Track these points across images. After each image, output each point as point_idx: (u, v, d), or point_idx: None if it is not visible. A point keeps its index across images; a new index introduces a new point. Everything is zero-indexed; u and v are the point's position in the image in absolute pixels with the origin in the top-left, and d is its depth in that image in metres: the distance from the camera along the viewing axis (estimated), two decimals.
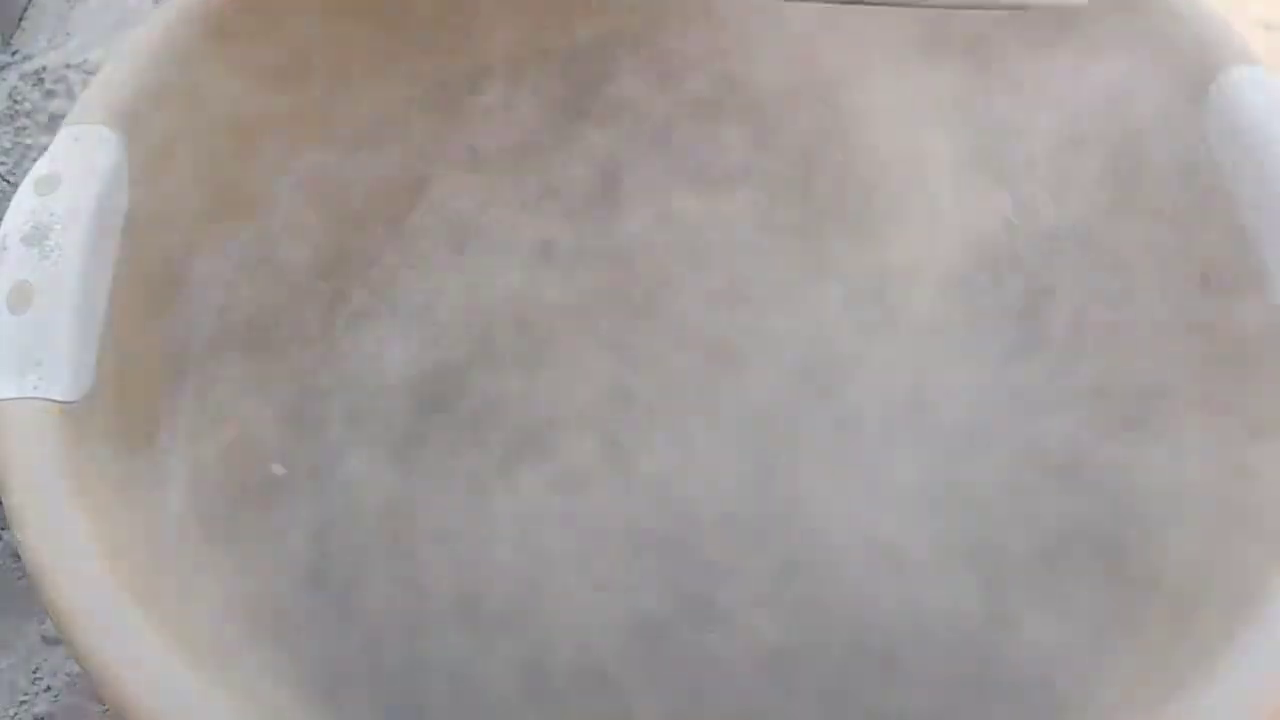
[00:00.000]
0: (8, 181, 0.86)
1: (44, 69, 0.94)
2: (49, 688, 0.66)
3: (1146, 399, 0.56)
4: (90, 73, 0.93)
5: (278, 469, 0.55)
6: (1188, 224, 0.56)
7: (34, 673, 0.66)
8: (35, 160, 0.50)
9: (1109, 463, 0.56)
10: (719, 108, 0.69)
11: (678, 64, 0.68)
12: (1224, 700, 0.38)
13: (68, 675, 0.66)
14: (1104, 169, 0.61)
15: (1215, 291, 0.54)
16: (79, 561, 0.39)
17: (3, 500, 0.41)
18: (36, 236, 0.45)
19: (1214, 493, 0.50)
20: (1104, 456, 0.56)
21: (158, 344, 0.52)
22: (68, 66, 0.94)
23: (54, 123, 0.90)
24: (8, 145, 0.89)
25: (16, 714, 0.65)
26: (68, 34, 0.99)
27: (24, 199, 0.46)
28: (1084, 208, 0.63)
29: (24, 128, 0.90)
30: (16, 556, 0.69)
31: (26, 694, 0.66)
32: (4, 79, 0.94)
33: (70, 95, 0.92)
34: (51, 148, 0.48)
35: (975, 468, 0.59)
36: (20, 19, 1.00)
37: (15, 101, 0.91)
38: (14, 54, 0.97)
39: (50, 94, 0.92)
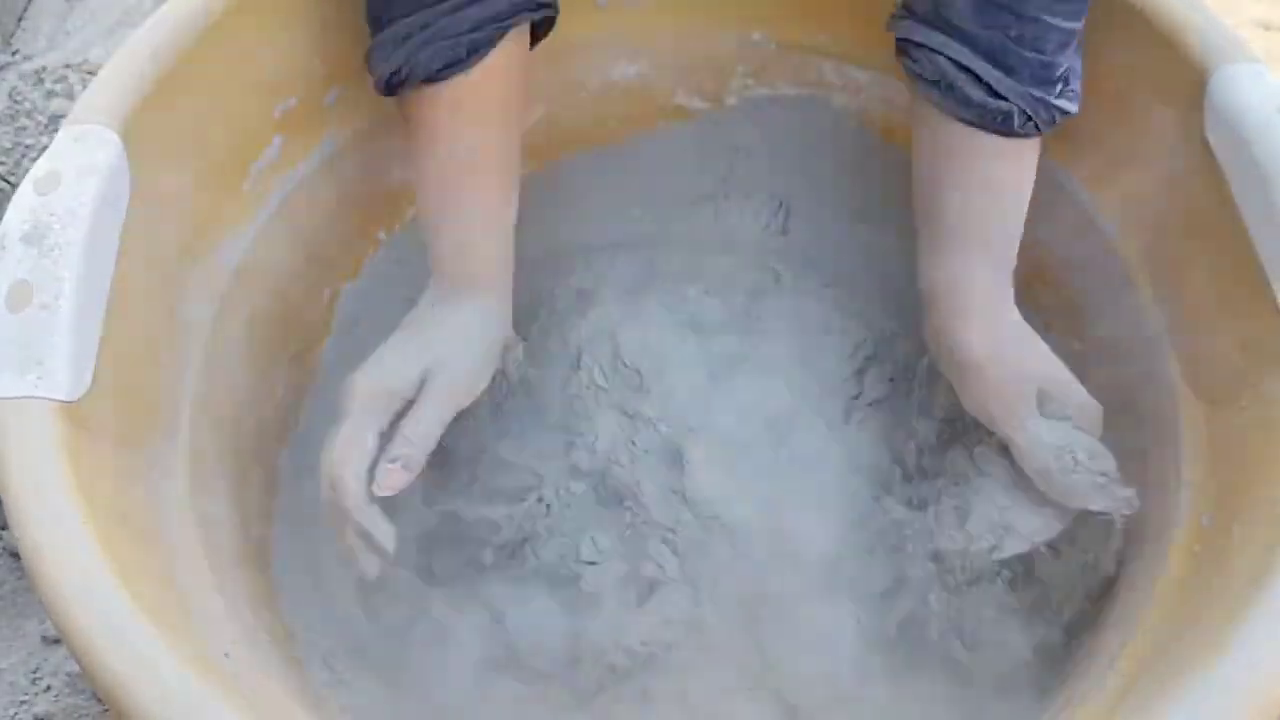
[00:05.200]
0: (8, 181, 0.86)
1: (44, 69, 0.94)
2: (49, 688, 0.66)
3: None
4: (90, 73, 0.93)
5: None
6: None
7: (34, 673, 0.66)
8: (35, 160, 0.50)
9: None
10: None
11: None
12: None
13: (68, 675, 0.66)
14: None
15: None
16: (79, 560, 0.39)
17: (3, 499, 0.41)
18: (36, 236, 0.45)
19: None
20: None
21: (158, 344, 0.52)
22: (68, 66, 0.94)
23: (54, 123, 0.90)
24: (8, 145, 0.89)
25: (16, 714, 0.65)
26: (68, 34, 0.99)
27: (24, 198, 0.46)
28: None
29: (24, 128, 0.90)
30: (16, 556, 0.70)
31: (26, 694, 0.66)
32: (4, 79, 0.94)
33: (70, 95, 0.92)
34: (51, 148, 0.48)
35: None
36: (20, 19, 1.01)
37: (15, 101, 0.91)
38: (14, 54, 0.97)
39: (50, 94, 0.92)
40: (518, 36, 0.57)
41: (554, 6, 0.59)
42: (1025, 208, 0.57)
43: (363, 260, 0.68)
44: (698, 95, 0.74)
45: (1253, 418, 0.50)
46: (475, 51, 0.55)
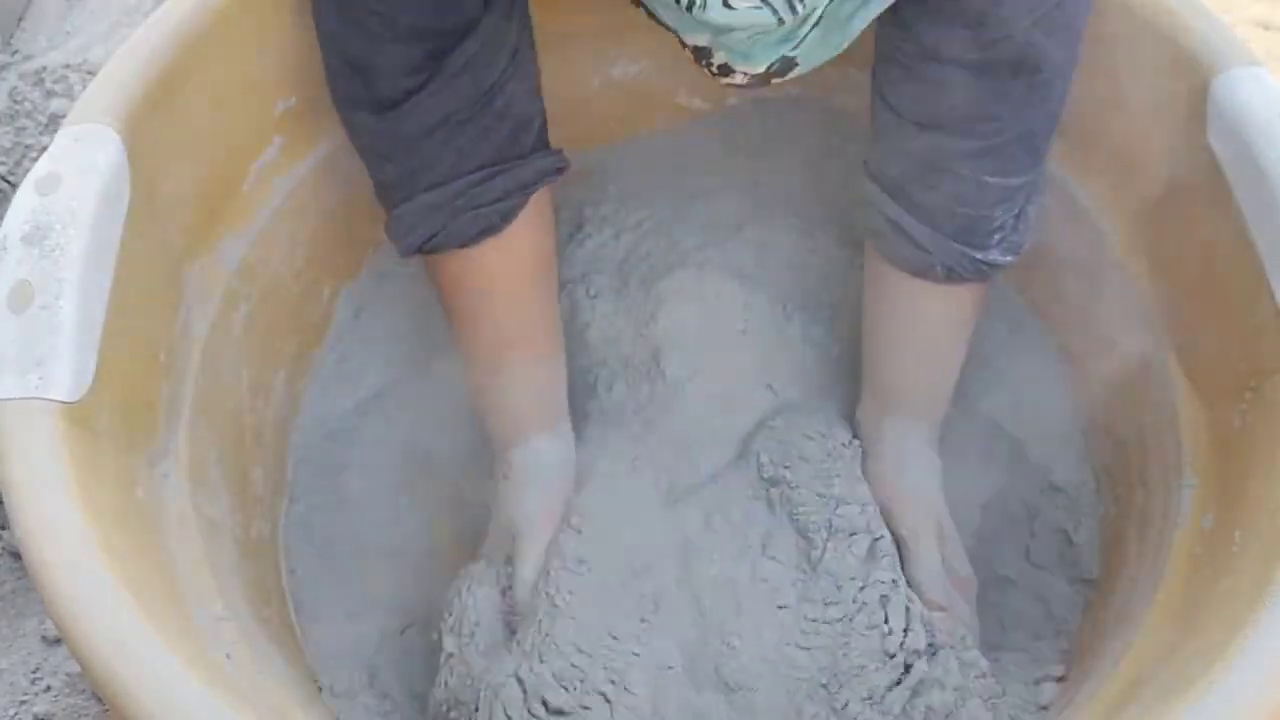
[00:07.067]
0: (8, 181, 0.86)
1: (44, 69, 0.94)
2: (49, 688, 0.66)
3: None
4: (90, 73, 0.93)
5: None
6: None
7: (34, 673, 0.66)
8: (35, 160, 0.50)
9: None
10: None
11: None
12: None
13: (68, 675, 0.66)
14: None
15: None
16: (79, 560, 0.39)
17: (3, 499, 0.41)
18: (36, 236, 0.45)
19: None
20: None
21: (158, 344, 0.52)
22: (68, 66, 0.94)
23: (54, 123, 0.90)
24: (8, 145, 0.89)
25: (16, 714, 0.65)
26: (68, 34, 0.99)
27: (24, 199, 0.46)
28: None
29: (24, 128, 0.90)
30: (16, 556, 0.70)
31: (26, 694, 0.66)
32: (4, 79, 0.94)
33: (70, 95, 0.92)
34: (51, 148, 0.48)
35: None
36: (20, 19, 1.01)
37: (15, 101, 0.91)
38: (14, 54, 0.97)
39: (50, 94, 0.92)
40: (540, 200, 0.60)
41: (567, 164, 0.61)
42: (960, 347, 0.64)
43: (363, 260, 0.68)
44: (698, 95, 0.74)
45: (1253, 418, 0.50)
46: (506, 217, 0.58)
